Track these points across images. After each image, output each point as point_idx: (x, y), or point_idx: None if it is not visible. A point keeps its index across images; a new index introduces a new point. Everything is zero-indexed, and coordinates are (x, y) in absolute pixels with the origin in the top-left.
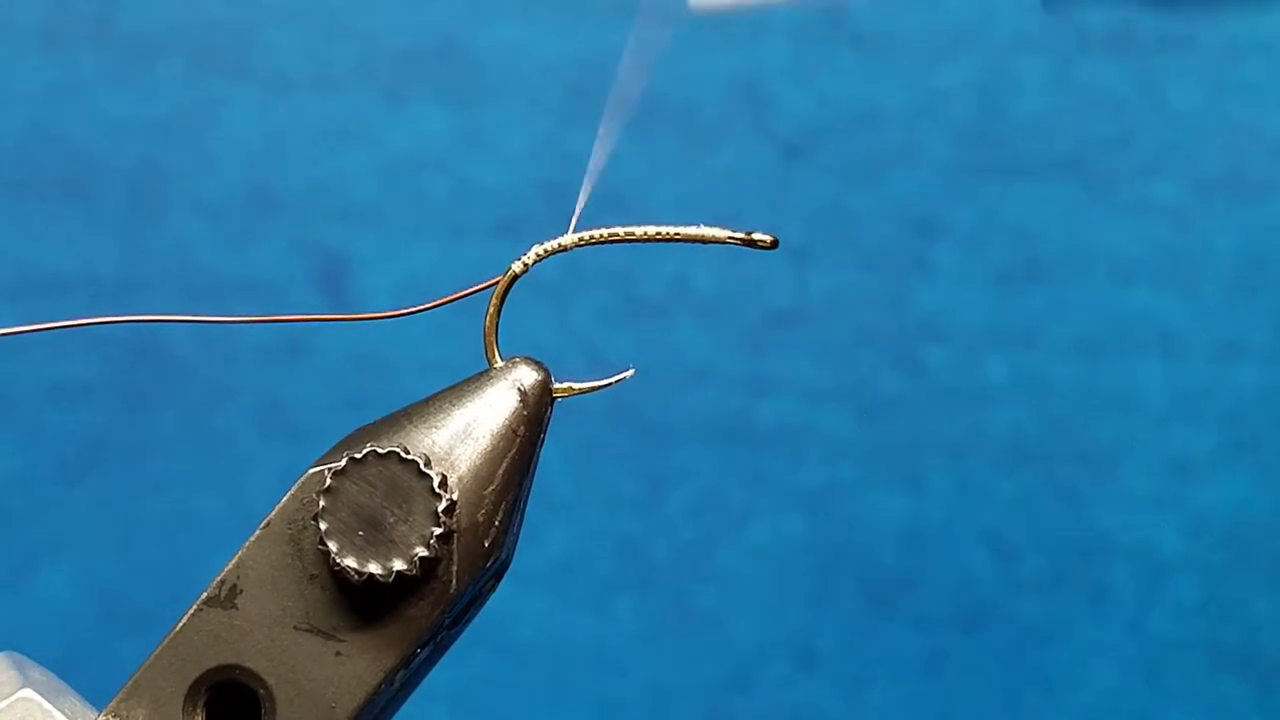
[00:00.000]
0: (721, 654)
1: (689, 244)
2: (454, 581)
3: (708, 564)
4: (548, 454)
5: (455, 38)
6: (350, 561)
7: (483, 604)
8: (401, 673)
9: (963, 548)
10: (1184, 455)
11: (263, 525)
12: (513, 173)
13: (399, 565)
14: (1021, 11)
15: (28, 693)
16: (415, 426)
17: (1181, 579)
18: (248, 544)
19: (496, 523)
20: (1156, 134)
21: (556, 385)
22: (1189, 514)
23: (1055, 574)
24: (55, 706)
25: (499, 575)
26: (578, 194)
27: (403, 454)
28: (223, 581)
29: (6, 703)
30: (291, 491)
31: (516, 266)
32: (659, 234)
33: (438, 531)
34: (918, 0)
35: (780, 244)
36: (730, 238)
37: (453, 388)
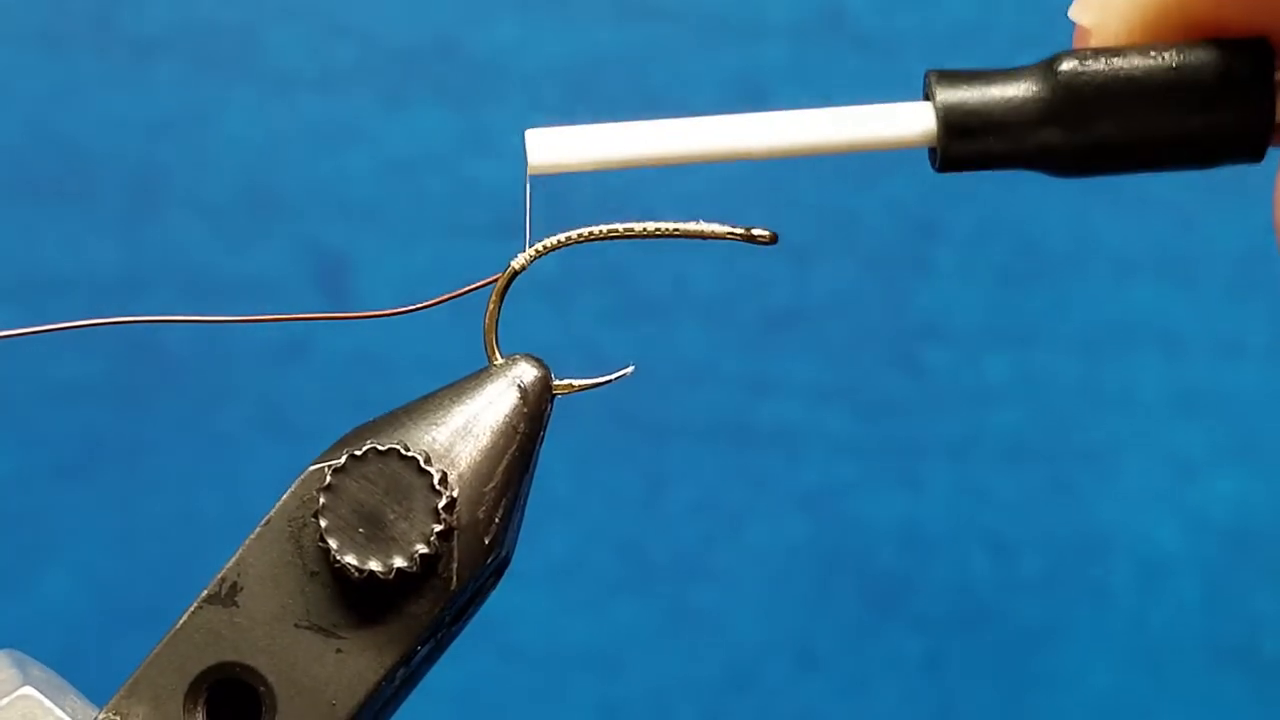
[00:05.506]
0: (721, 654)
1: (688, 241)
2: (454, 578)
3: (708, 564)
4: (547, 454)
5: (455, 38)
6: (350, 559)
7: (483, 601)
8: (402, 670)
9: (962, 548)
10: (1184, 455)
11: (263, 523)
12: (513, 173)
13: (399, 562)
14: (1021, 11)
15: (28, 690)
16: (415, 424)
17: (1181, 578)
18: (248, 541)
19: (497, 519)
20: None
21: (556, 382)
22: (1189, 513)
23: (1055, 574)
24: (56, 704)
25: (499, 572)
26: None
27: (403, 451)
28: (223, 579)
29: (7, 700)
30: (292, 489)
31: (516, 263)
32: (659, 230)
33: (438, 528)
34: (918, 0)
35: (779, 240)
36: (730, 233)
37: (453, 385)
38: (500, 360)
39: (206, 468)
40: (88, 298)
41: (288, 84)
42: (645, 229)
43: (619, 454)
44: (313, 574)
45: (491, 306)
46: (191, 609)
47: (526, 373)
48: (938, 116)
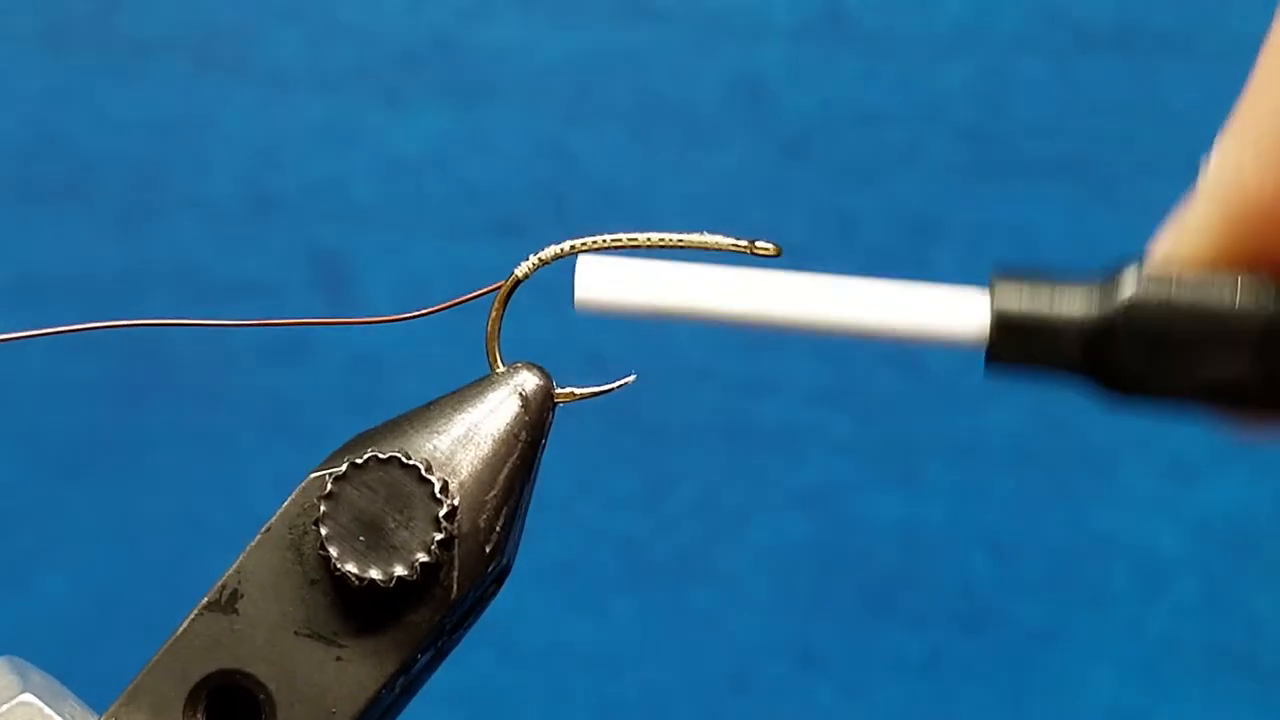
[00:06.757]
0: (721, 654)
1: (691, 251)
2: (455, 587)
3: (708, 564)
4: (548, 454)
5: (455, 38)
6: (351, 567)
7: (483, 609)
8: (402, 678)
9: (962, 548)
10: (1184, 455)
11: (263, 530)
12: (513, 173)
13: (400, 571)
14: (1021, 11)
15: (28, 697)
16: (416, 431)
17: (1181, 579)
18: (249, 549)
19: (498, 528)
20: (1156, 134)
21: (558, 390)
22: (1189, 514)
23: (1054, 575)
24: (56, 711)
25: (500, 580)
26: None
27: (404, 459)
28: (223, 586)
29: (7, 707)
30: (292, 496)
31: (519, 271)
32: (662, 240)
33: (439, 537)
34: (918, 0)
35: (783, 252)
36: (734, 246)
37: (454, 393)
38: (502, 368)
39: (206, 468)
40: (88, 298)
41: (288, 84)
42: (649, 239)
43: (619, 454)
44: (313, 582)
45: (494, 314)
46: (192, 616)
47: (528, 381)
48: (993, 321)
